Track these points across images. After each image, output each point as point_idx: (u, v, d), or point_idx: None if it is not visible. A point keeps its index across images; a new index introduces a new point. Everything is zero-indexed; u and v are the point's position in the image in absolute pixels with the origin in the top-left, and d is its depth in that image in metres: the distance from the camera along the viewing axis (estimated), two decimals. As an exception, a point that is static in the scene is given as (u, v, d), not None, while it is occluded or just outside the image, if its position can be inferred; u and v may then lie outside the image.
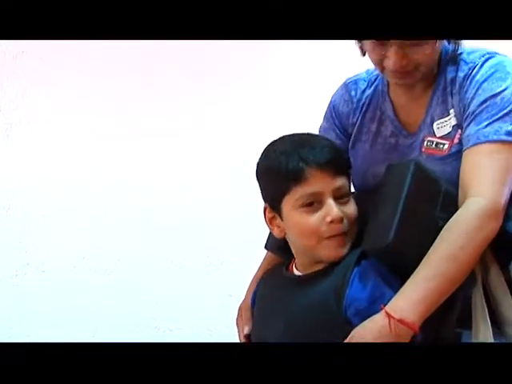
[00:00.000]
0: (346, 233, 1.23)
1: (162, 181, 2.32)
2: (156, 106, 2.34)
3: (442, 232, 1.17)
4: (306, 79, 2.40)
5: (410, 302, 1.12)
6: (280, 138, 1.31)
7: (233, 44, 2.23)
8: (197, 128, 2.37)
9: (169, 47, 2.24)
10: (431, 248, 1.16)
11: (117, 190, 2.27)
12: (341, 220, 1.22)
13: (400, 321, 1.10)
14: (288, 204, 1.24)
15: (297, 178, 1.22)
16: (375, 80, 1.43)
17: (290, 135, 1.31)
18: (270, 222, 1.30)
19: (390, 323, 1.10)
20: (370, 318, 1.13)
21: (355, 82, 1.46)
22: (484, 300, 1.20)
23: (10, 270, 2.16)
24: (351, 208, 1.24)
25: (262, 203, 1.33)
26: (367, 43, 1.28)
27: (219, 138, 2.38)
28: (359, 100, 1.43)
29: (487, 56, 1.29)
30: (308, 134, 1.35)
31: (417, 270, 1.15)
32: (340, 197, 1.24)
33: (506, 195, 1.20)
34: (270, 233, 1.42)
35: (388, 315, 1.11)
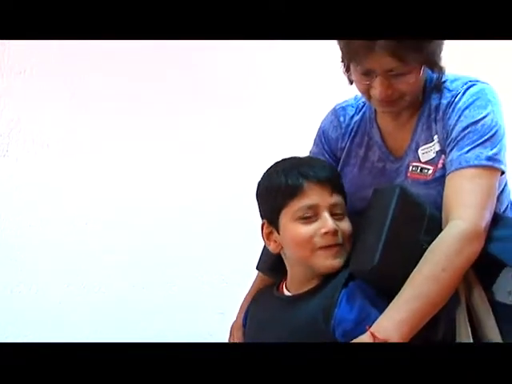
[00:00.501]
0: (341, 245, 1.27)
1: (154, 199, 2.34)
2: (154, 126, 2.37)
3: (425, 254, 1.21)
4: (305, 79, 2.43)
5: (393, 322, 1.15)
6: (281, 160, 1.37)
7: (233, 44, 2.28)
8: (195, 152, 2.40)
9: (168, 47, 2.26)
10: (415, 270, 1.19)
11: (110, 208, 2.29)
12: (335, 232, 1.26)
13: (384, 341, 1.13)
14: (286, 217, 1.30)
15: (296, 191, 1.28)
16: (363, 106, 1.47)
17: (290, 158, 1.37)
18: (266, 237, 1.35)
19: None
20: (357, 339, 1.16)
21: (344, 108, 1.50)
22: (468, 320, 1.23)
23: (5, 288, 2.17)
24: (346, 224, 1.29)
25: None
26: (354, 73, 1.32)
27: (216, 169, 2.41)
28: (348, 125, 1.47)
29: (469, 84, 1.33)
30: (309, 156, 1.43)
31: (401, 291, 1.18)
32: (336, 213, 1.29)
33: (486, 218, 1.24)
34: (262, 254, 1.46)
35: (373, 335, 1.14)
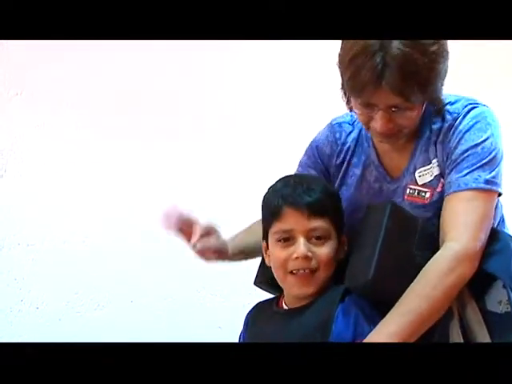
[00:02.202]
0: (313, 272, 1.29)
1: (150, 215, 2.36)
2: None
3: (419, 273, 1.23)
4: (305, 80, 2.46)
5: (384, 336, 1.18)
6: (282, 177, 1.39)
7: (233, 44, 2.31)
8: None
9: (168, 48, 2.30)
10: (408, 287, 1.22)
11: (107, 225, 2.31)
12: (306, 258, 1.28)
13: None
14: (270, 237, 1.34)
15: (275, 214, 1.32)
16: (359, 123, 1.44)
17: (290, 176, 1.40)
18: (264, 250, 1.39)
19: None
20: None
21: (340, 124, 1.49)
22: (461, 333, 1.26)
23: (5, 306, 2.20)
24: (324, 250, 1.29)
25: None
26: (355, 104, 1.31)
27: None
28: (344, 143, 1.46)
29: (470, 107, 1.34)
30: (307, 175, 1.43)
31: (394, 306, 1.21)
32: (315, 237, 1.30)
33: (481, 240, 1.25)
34: (259, 269, 1.49)
35: None
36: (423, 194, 1.35)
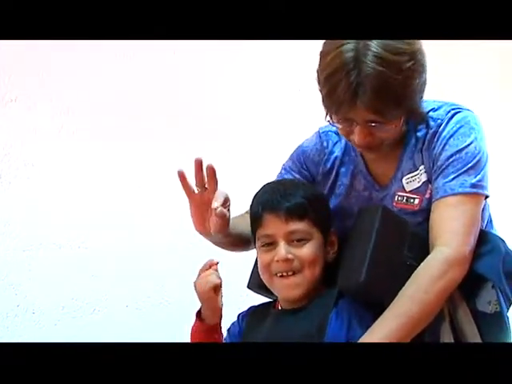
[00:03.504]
0: (296, 273, 1.32)
1: (146, 219, 2.38)
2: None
3: (411, 277, 1.25)
4: (305, 80, 2.45)
5: (376, 338, 1.20)
6: (263, 185, 1.42)
7: (233, 44, 2.33)
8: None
9: (168, 48, 2.32)
10: (400, 291, 1.24)
11: (103, 230, 2.32)
12: (287, 260, 1.31)
13: None
14: (256, 243, 1.39)
15: (257, 221, 1.37)
16: None
17: (270, 182, 1.43)
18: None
19: None
20: None
21: (326, 133, 1.50)
22: (452, 335, 1.28)
23: (1, 311, 2.19)
24: (305, 251, 1.33)
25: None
26: (335, 118, 1.32)
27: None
28: (331, 152, 1.48)
29: (452, 112, 1.36)
30: (286, 180, 1.45)
31: (386, 310, 1.23)
32: (296, 240, 1.33)
33: (471, 244, 1.28)
34: (252, 272, 1.51)
35: None
36: (412, 200, 1.37)
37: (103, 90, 2.37)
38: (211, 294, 1.40)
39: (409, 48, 1.25)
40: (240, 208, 2.31)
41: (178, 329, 2.32)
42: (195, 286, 1.43)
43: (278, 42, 2.32)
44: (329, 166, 1.48)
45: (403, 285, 1.25)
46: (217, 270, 1.42)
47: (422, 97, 1.33)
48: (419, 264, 1.28)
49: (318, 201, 1.38)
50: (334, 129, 1.47)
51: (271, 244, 1.34)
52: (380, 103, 1.24)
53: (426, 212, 1.35)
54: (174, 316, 2.36)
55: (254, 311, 1.48)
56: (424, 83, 1.30)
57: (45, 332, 2.22)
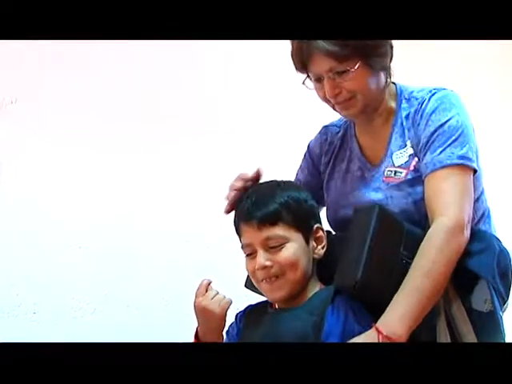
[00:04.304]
0: (279, 277, 1.34)
1: (147, 220, 2.38)
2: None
3: (418, 251, 1.29)
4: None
5: (396, 316, 1.23)
6: (244, 192, 1.44)
7: (233, 44, 2.33)
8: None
9: (168, 48, 2.33)
10: (410, 268, 1.28)
11: (103, 230, 2.32)
12: (264, 267, 1.34)
13: (387, 336, 1.21)
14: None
15: (237, 231, 1.41)
16: (345, 124, 1.57)
17: (250, 189, 1.44)
18: None
19: (379, 338, 1.22)
20: (363, 334, 1.24)
21: (327, 127, 1.62)
22: (447, 329, 1.30)
23: (2, 312, 2.20)
24: (283, 255, 1.34)
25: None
26: (313, 84, 1.43)
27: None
28: (331, 143, 1.58)
29: (434, 91, 1.43)
30: (262, 186, 1.46)
31: (401, 287, 1.26)
32: (272, 246, 1.35)
33: (467, 211, 1.32)
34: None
35: (378, 331, 1.22)
36: (399, 173, 1.42)
37: (105, 91, 2.38)
38: (223, 315, 1.42)
39: None
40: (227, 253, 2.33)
41: (179, 329, 2.33)
42: (197, 309, 1.45)
43: (278, 42, 2.32)
44: (329, 155, 1.57)
45: (399, 283, 1.27)
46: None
47: (384, 53, 1.39)
48: None
49: (295, 202, 1.38)
50: (335, 122, 1.59)
51: (252, 253, 1.37)
52: (331, 43, 1.33)
53: (409, 183, 1.40)
54: (174, 316, 2.36)
55: (250, 310, 1.49)
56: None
57: (45, 332, 2.23)
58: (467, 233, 1.30)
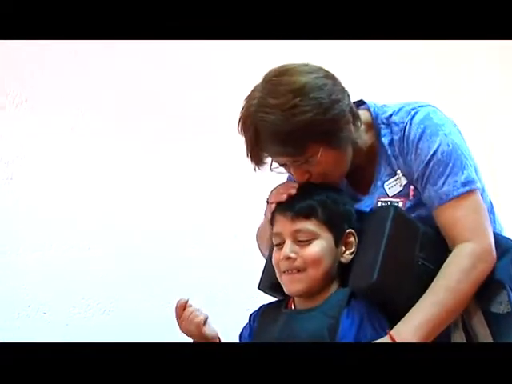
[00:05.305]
0: (300, 271, 1.34)
1: (154, 221, 2.38)
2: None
3: (440, 270, 1.27)
4: None
5: (411, 327, 1.22)
6: None
7: (233, 44, 2.33)
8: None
9: (168, 48, 2.32)
10: (433, 281, 1.26)
11: (112, 232, 2.33)
12: (290, 258, 1.33)
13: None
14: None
15: (272, 221, 1.40)
16: None
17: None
18: None
19: None
20: (376, 341, 1.23)
21: None
22: (464, 335, 1.30)
23: (13, 312, 2.21)
24: (308, 250, 1.34)
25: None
26: (279, 169, 1.37)
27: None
28: None
29: (413, 113, 1.35)
30: (306, 183, 1.42)
31: (420, 299, 1.24)
32: (300, 239, 1.34)
33: (491, 235, 1.30)
34: (263, 273, 1.52)
35: (392, 339, 1.21)
36: (396, 204, 1.37)
37: (114, 92, 2.38)
38: (200, 332, 1.41)
39: (294, 86, 1.27)
40: (241, 208, 2.34)
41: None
42: (183, 332, 1.44)
43: (278, 42, 2.32)
44: None
45: (415, 285, 1.27)
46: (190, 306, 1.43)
47: (338, 129, 1.31)
48: (431, 264, 1.30)
49: (333, 202, 1.37)
50: None
51: (281, 243, 1.37)
52: (282, 145, 1.28)
53: (409, 210, 1.36)
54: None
55: (264, 310, 1.48)
56: (327, 109, 1.28)
57: (56, 332, 2.23)
58: (494, 257, 1.29)
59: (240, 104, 2.33)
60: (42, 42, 2.14)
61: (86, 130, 2.34)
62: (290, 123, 1.26)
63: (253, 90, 1.33)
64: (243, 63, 2.54)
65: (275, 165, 1.37)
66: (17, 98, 2.29)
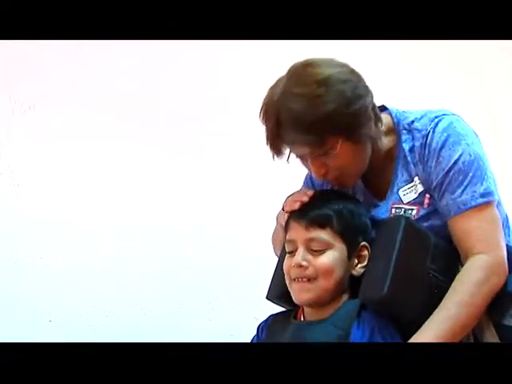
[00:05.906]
0: (311, 280, 1.33)
1: (161, 226, 2.38)
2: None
3: (453, 283, 1.27)
4: None
5: (427, 339, 1.21)
6: None
7: (232, 44, 2.33)
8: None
9: (169, 48, 2.32)
10: (445, 296, 1.25)
11: (119, 238, 2.33)
12: (300, 266, 1.33)
13: None
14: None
15: (286, 227, 1.40)
16: None
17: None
18: None
19: None
20: None
21: None
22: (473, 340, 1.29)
23: (18, 320, 2.19)
24: (322, 260, 1.33)
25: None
26: (293, 156, 1.36)
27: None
28: None
29: (436, 120, 1.35)
30: (322, 191, 1.46)
31: (433, 313, 1.24)
32: (314, 248, 1.34)
33: (504, 247, 1.30)
34: (271, 283, 1.51)
35: None
36: (410, 211, 1.37)
37: (114, 92, 2.37)
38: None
39: (318, 77, 1.27)
40: (242, 208, 2.33)
41: (193, 335, 2.34)
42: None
43: (279, 42, 2.33)
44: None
45: (426, 296, 1.26)
46: None
47: (361, 124, 1.31)
48: (441, 276, 1.29)
49: (349, 212, 1.37)
50: None
51: (293, 251, 1.36)
52: (297, 130, 1.27)
53: (423, 220, 1.36)
54: (188, 322, 2.36)
55: (273, 321, 1.48)
56: (350, 103, 1.29)
57: (63, 337, 2.22)
58: (507, 269, 1.29)
59: (240, 104, 2.36)
60: (41, 42, 2.13)
61: (88, 132, 2.33)
62: (313, 113, 1.26)
63: (277, 80, 1.34)
64: (243, 63, 2.54)
65: (292, 156, 1.37)
66: (24, 105, 2.29)
